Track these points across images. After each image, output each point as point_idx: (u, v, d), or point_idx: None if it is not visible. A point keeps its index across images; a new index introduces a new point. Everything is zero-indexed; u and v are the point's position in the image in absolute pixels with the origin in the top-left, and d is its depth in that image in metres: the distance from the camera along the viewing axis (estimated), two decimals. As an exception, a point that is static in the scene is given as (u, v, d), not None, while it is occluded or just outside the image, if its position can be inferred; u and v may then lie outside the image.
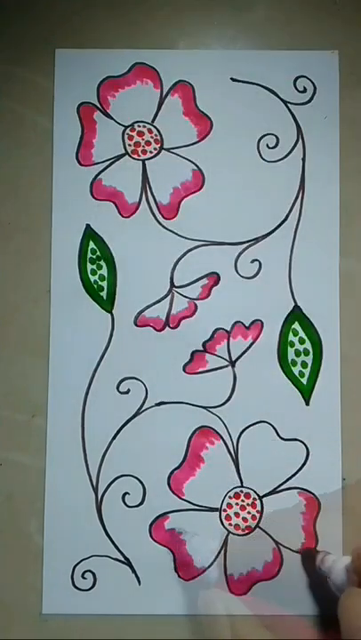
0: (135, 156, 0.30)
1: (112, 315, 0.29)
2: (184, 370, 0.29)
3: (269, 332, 0.29)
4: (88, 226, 0.29)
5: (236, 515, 0.28)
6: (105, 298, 0.29)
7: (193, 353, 0.29)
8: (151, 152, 0.30)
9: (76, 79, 0.30)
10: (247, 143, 0.30)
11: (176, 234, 0.29)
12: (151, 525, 0.28)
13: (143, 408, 0.29)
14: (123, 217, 0.29)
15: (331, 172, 0.30)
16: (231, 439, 0.28)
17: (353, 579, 0.24)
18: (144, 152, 0.30)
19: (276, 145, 0.30)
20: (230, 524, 0.28)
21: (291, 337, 0.29)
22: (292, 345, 0.29)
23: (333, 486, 0.28)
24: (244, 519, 0.28)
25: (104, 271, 0.29)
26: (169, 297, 0.29)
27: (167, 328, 0.29)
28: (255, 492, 0.28)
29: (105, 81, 0.30)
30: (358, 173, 0.30)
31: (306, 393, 0.29)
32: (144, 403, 0.29)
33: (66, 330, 0.29)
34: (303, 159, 0.30)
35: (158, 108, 0.30)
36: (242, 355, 0.29)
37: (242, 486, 0.28)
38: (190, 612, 0.28)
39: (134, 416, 0.29)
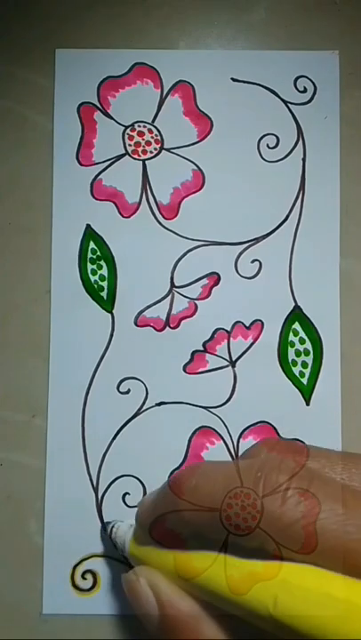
0: (135, 156, 0.30)
1: (112, 315, 0.29)
2: (184, 370, 0.29)
3: (270, 332, 0.29)
4: (88, 226, 0.29)
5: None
6: (105, 298, 0.29)
7: (193, 353, 0.29)
8: (151, 152, 0.30)
9: (76, 79, 0.30)
10: (247, 143, 0.30)
11: (176, 234, 0.29)
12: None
13: (143, 408, 0.29)
14: (123, 217, 0.29)
15: (331, 171, 0.30)
16: (232, 439, 0.28)
17: (134, 538, 0.23)
18: (144, 152, 0.30)
19: (277, 145, 0.30)
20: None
21: (291, 337, 0.29)
22: (293, 345, 0.29)
23: (334, 486, 0.28)
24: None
25: (104, 271, 0.29)
26: (169, 297, 0.29)
27: (167, 328, 0.29)
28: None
29: (105, 81, 0.30)
30: (359, 173, 0.30)
31: (306, 393, 0.29)
32: (144, 403, 0.29)
33: (66, 330, 0.29)
34: (303, 159, 0.30)
35: (158, 108, 0.30)
36: (242, 355, 0.29)
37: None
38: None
39: (134, 416, 0.29)
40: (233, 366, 0.29)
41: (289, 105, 0.30)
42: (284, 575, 0.16)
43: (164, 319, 0.29)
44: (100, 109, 0.30)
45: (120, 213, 0.29)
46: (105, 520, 0.28)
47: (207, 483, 0.19)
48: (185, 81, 0.30)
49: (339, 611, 0.15)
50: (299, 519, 0.16)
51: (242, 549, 0.18)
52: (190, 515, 0.19)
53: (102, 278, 0.29)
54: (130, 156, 0.30)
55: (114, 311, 0.29)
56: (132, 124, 0.30)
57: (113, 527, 0.26)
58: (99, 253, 0.29)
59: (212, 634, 0.18)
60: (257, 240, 0.29)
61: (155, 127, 0.30)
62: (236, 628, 0.18)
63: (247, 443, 0.28)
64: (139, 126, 0.30)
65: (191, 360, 0.29)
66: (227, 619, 0.18)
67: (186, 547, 0.20)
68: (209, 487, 0.18)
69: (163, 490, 0.21)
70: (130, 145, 0.30)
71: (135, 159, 0.30)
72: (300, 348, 0.29)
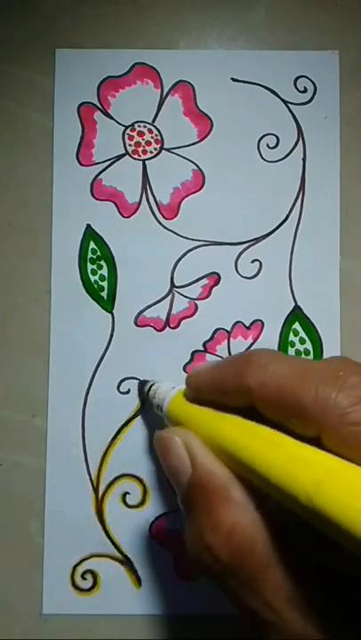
0: (135, 156, 0.30)
1: (112, 315, 0.29)
2: (184, 370, 0.29)
3: (270, 332, 0.29)
4: (88, 226, 0.29)
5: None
6: (105, 298, 0.29)
7: (193, 353, 0.29)
8: (151, 152, 0.30)
9: (77, 79, 0.30)
10: (247, 143, 0.30)
11: (176, 234, 0.29)
12: (152, 525, 0.28)
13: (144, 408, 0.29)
14: (123, 217, 0.29)
15: (331, 171, 0.30)
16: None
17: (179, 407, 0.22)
18: (144, 152, 0.30)
19: (277, 145, 0.30)
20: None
21: (291, 337, 0.29)
22: (293, 345, 0.29)
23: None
24: None
25: (104, 271, 0.29)
26: (169, 297, 0.29)
27: (167, 328, 0.29)
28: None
29: (105, 81, 0.30)
30: (359, 173, 0.30)
31: (306, 393, 0.29)
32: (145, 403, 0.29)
33: (66, 330, 0.29)
34: (303, 159, 0.30)
35: (158, 108, 0.30)
36: (242, 355, 0.29)
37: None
38: (191, 612, 0.28)
39: (134, 416, 0.29)
40: (233, 366, 0.29)
41: (289, 105, 0.30)
42: (333, 466, 0.16)
43: (164, 319, 0.29)
44: (100, 109, 0.30)
45: (120, 213, 0.29)
46: (107, 520, 0.28)
47: (281, 365, 0.18)
48: (185, 81, 0.30)
49: None
50: None
51: (297, 436, 0.17)
52: (257, 391, 0.18)
53: (102, 278, 0.29)
54: (130, 156, 0.30)
55: (114, 311, 0.29)
56: (132, 124, 0.30)
57: (153, 385, 0.26)
58: (99, 253, 0.29)
59: (241, 505, 0.18)
60: (257, 240, 0.29)
61: (155, 127, 0.30)
62: (266, 503, 0.17)
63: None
64: (139, 126, 0.30)
65: (191, 360, 0.29)
66: (260, 496, 0.18)
67: (241, 413, 0.19)
68: (282, 369, 0.18)
69: (230, 359, 0.20)
70: (130, 145, 0.30)
71: (135, 159, 0.30)
72: (301, 347, 0.29)
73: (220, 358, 0.29)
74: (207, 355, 0.29)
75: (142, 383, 0.28)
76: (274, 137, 0.30)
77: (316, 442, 0.17)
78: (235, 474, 0.18)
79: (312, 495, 0.15)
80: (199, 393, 0.21)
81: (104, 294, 0.29)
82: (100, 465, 0.28)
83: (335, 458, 0.16)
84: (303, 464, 0.16)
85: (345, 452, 0.16)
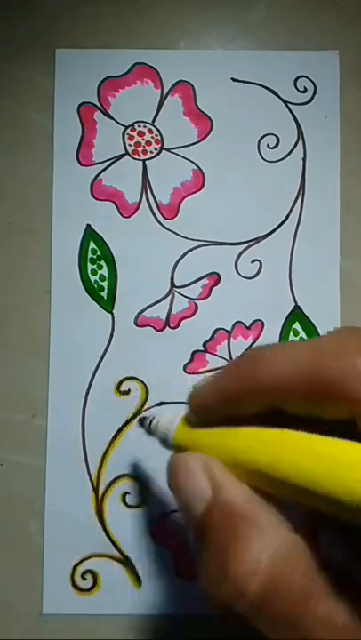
0: (135, 156, 0.30)
1: (112, 315, 0.29)
2: (184, 370, 0.29)
3: (270, 332, 0.29)
4: (88, 226, 0.29)
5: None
6: (106, 298, 0.29)
7: (193, 353, 0.29)
8: (152, 152, 0.30)
9: (77, 79, 0.30)
10: (247, 143, 0.30)
11: (176, 234, 0.29)
12: (152, 525, 0.28)
13: (143, 408, 0.29)
14: (123, 217, 0.29)
15: (331, 171, 0.30)
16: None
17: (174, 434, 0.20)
18: (144, 152, 0.30)
19: (277, 145, 0.30)
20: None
21: (291, 337, 0.29)
22: (293, 345, 0.29)
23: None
24: None
25: (105, 271, 0.29)
26: (169, 297, 0.29)
27: (167, 328, 0.29)
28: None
29: (105, 81, 0.30)
30: (359, 173, 0.30)
31: (306, 393, 0.29)
32: (144, 403, 0.29)
33: (66, 330, 0.29)
34: (304, 159, 0.30)
35: (159, 108, 0.30)
36: (242, 355, 0.29)
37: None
38: (190, 612, 0.28)
39: (134, 416, 0.29)
40: (233, 366, 0.29)
41: (289, 105, 0.30)
42: None
43: (164, 319, 0.29)
44: (100, 109, 0.30)
45: (120, 213, 0.29)
46: (107, 520, 0.28)
47: (288, 351, 0.16)
48: (185, 81, 0.30)
49: None
50: None
51: (327, 426, 0.15)
52: (270, 382, 0.16)
53: (102, 278, 0.29)
54: (130, 156, 0.30)
55: (114, 311, 0.29)
56: (133, 124, 0.30)
57: (152, 420, 0.23)
58: (99, 253, 0.29)
59: (273, 528, 0.16)
60: (257, 240, 0.29)
61: (155, 127, 0.30)
62: (305, 523, 0.16)
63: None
64: (139, 126, 0.30)
65: (191, 360, 0.29)
66: (295, 517, 0.16)
67: (255, 424, 0.17)
68: (292, 354, 0.16)
69: (230, 365, 0.18)
70: (130, 145, 0.30)
71: (135, 159, 0.30)
72: (301, 348, 0.29)
73: (221, 362, 0.29)
74: (207, 355, 0.29)
75: (141, 420, 0.26)
76: (274, 137, 0.30)
77: (350, 431, 0.15)
78: (261, 494, 0.16)
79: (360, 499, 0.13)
80: (206, 412, 0.19)
81: (104, 294, 0.29)
82: (100, 465, 0.28)
83: None
84: (344, 464, 0.14)
85: None
